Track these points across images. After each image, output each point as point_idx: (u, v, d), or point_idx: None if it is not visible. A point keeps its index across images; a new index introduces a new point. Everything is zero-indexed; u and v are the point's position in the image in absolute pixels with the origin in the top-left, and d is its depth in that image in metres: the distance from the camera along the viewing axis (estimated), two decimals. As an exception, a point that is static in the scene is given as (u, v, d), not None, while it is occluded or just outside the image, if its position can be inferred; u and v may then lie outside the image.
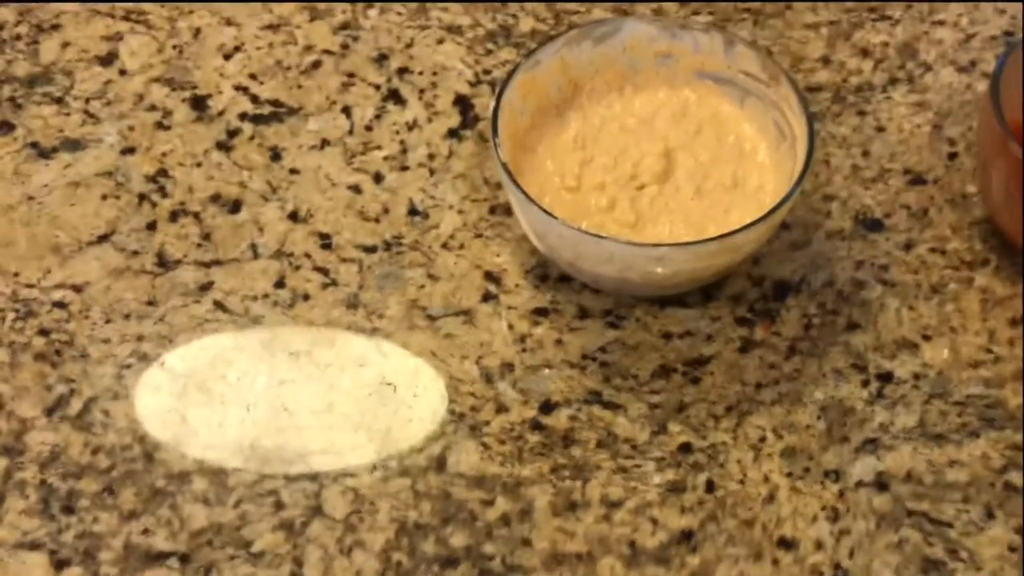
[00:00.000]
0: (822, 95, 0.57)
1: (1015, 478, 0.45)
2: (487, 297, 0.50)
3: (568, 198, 0.50)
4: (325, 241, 0.52)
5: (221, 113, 0.57)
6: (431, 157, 0.55)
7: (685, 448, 0.45)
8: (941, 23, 0.59)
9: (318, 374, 0.48)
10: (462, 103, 0.57)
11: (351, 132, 0.56)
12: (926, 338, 0.49)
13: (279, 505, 0.44)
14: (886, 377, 0.47)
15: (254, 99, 0.57)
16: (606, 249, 0.45)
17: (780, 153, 0.50)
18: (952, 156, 0.55)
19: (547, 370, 0.47)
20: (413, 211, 0.53)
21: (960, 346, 0.48)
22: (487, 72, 0.58)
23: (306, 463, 0.45)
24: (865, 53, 0.58)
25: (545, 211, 0.45)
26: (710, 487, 0.44)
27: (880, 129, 0.56)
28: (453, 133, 0.56)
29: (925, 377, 0.47)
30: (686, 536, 0.43)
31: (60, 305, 0.50)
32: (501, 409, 0.46)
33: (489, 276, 0.51)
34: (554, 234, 0.46)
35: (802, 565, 0.42)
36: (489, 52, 0.59)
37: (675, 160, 0.51)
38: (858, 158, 0.55)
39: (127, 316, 0.50)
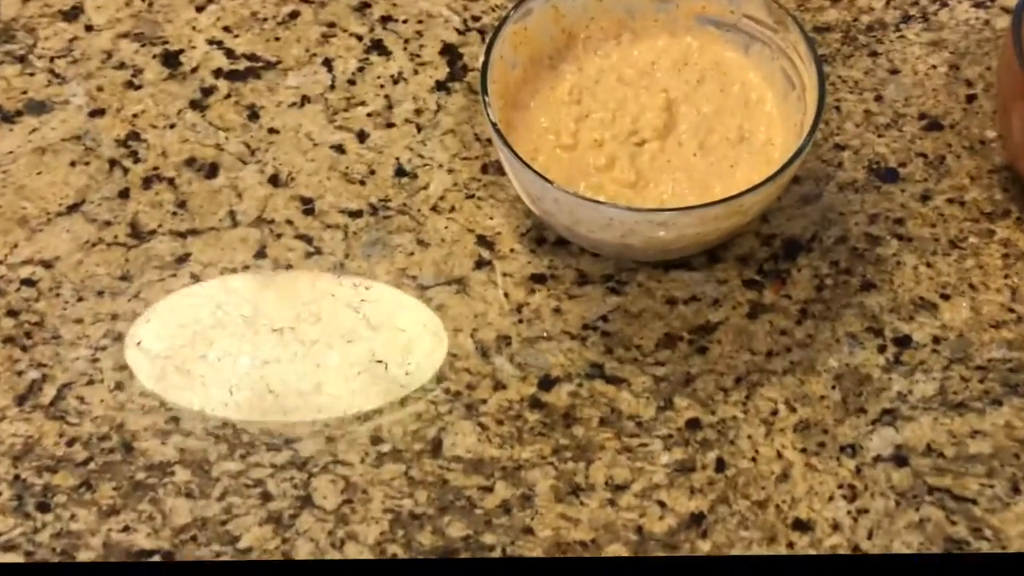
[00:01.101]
0: (831, 36, 0.53)
1: (1040, 449, 0.42)
2: (480, 264, 0.47)
3: (564, 157, 0.47)
4: (307, 206, 0.49)
5: (195, 70, 0.53)
6: (418, 112, 0.52)
7: (693, 424, 0.43)
8: (959, -47, 0.56)
9: (304, 352, 0.45)
10: (450, 53, 0.53)
11: (332, 87, 0.53)
12: (945, 297, 0.46)
13: (266, 496, 0.41)
14: (904, 341, 0.45)
15: (229, 54, 0.54)
16: (605, 214, 0.42)
17: (788, 103, 0.46)
18: (970, 99, 0.51)
19: (546, 342, 0.45)
20: (400, 171, 0.50)
21: (981, 305, 0.46)
22: (476, 19, 0.54)
23: (294, 450, 0.43)
24: (877, -12, 0.55)
25: (539, 174, 0.42)
26: (720, 466, 0.42)
27: (893, 71, 0.52)
28: (441, 86, 0.52)
29: (945, 340, 0.45)
30: (696, 519, 0.41)
31: (29, 283, 0.47)
32: (498, 386, 0.44)
33: (482, 240, 0.48)
34: (549, 198, 0.43)
35: (819, 548, 0.40)
36: (477, -4, 0.55)
37: (677, 113, 0.47)
38: (871, 103, 0.51)
39: (100, 293, 0.47)
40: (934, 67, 0.52)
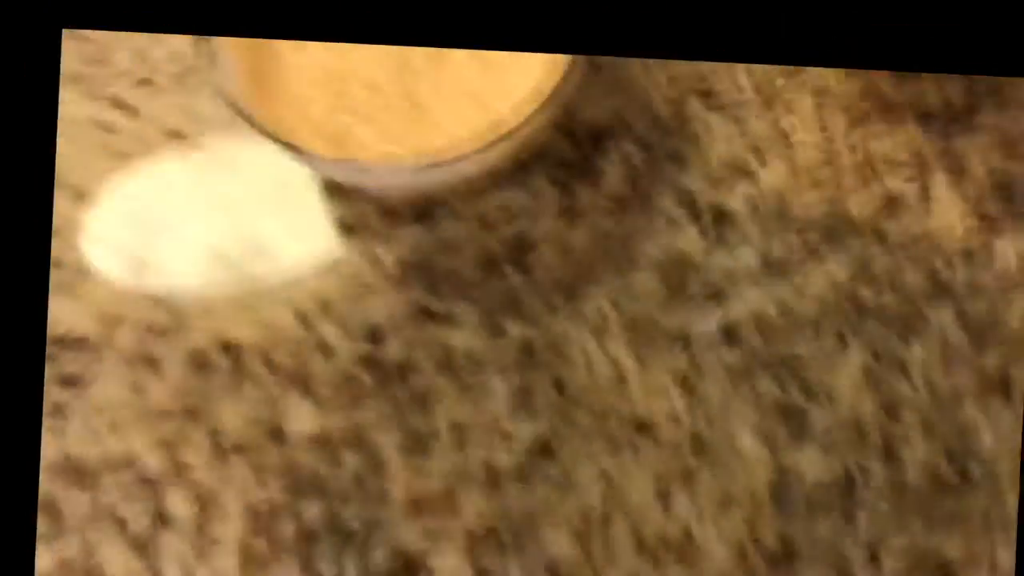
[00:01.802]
0: None
1: (865, 295, 0.43)
2: (286, 225, 0.45)
3: (321, 95, 0.43)
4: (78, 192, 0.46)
5: None
6: (179, 75, 0.48)
7: (526, 348, 0.43)
8: None
9: (122, 362, 0.44)
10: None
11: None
12: (760, 159, 0.45)
13: (122, 524, 0.41)
14: (722, 215, 0.44)
15: None
16: (379, 174, 0.39)
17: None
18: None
19: (368, 295, 0.44)
20: (174, 134, 0.47)
21: (796, 160, 0.45)
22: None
23: (137, 470, 0.42)
24: None
25: (287, 143, 0.39)
26: (559, 387, 0.42)
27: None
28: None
29: (763, 205, 0.44)
30: (542, 446, 0.41)
31: None
32: (326, 353, 0.43)
33: (283, 197, 0.45)
34: (310, 165, 0.40)
35: (661, 446, 0.41)
36: None
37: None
38: (661, -50, 0.48)
39: None
40: None
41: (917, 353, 0.42)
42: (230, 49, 0.42)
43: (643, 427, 0.42)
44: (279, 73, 0.43)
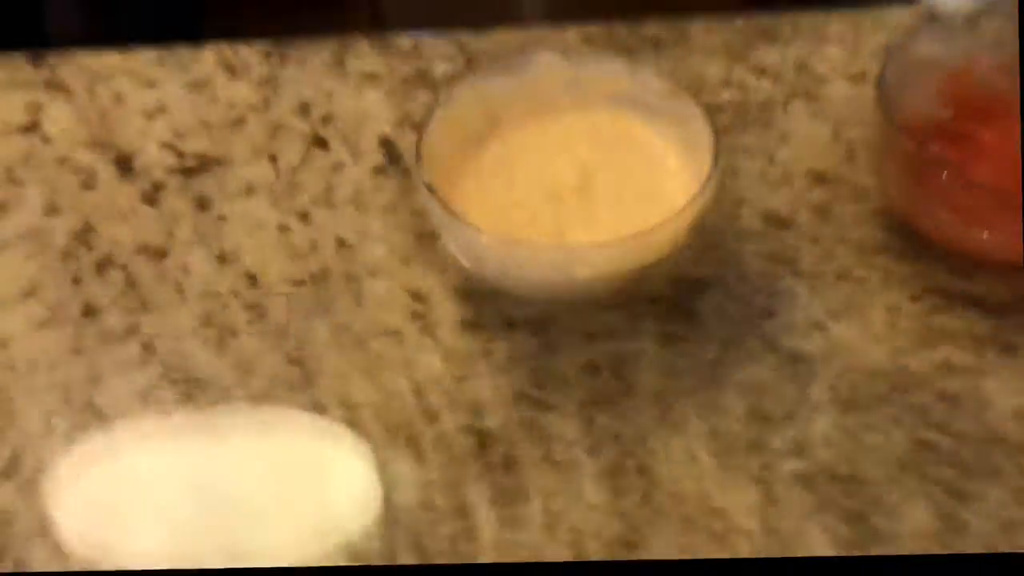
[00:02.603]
0: (726, 112, 0.60)
1: (926, 435, 0.46)
2: (415, 316, 0.51)
3: (492, 216, 0.51)
4: (252, 279, 0.53)
5: (146, 170, 0.58)
6: (357, 194, 0.56)
7: (615, 437, 0.46)
8: (829, 40, 0.63)
9: (247, 406, 0.48)
10: (386, 144, 0.59)
11: (278, 177, 0.57)
12: (835, 318, 0.50)
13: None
14: (799, 356, 0.49)
15: (180, 155, 0.59)
16: (529, 255, 0.46)
17: (689, 163, 0.52)
18: (851, 156, 0.57)
19: (477, 379, 0.48)
20: (341, 243, 0.54)
21: (867, 323, 0.50)
22: (408, 114, 0.60)
23: (242, 493, 0.45)
24: (762, 72, 0.61)
25: (469, 224, 0.46)
26: (641, 471, 0.45)
27: (783, 138, 0.58)
28: (378, 171, 0.57)
29: (836, 353, 0.49)
30: (622, 517, 0.44)
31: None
32: (433, 419, 0.47)
33: (416, 296, 0.52)
34: (479, 246, 0.47)
35: (734, 529, 0.43)
36: (408, 97, 0.61)
37: (592, 176, 0.53)
38: (764, 164, 0.57)
39: (53, 365, 0.50)
40: (818, 132, 0.59)
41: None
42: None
43: (716, 512, 0.44)
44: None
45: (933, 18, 0.63)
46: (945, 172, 0.49)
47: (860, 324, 0.50)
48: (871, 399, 0.47)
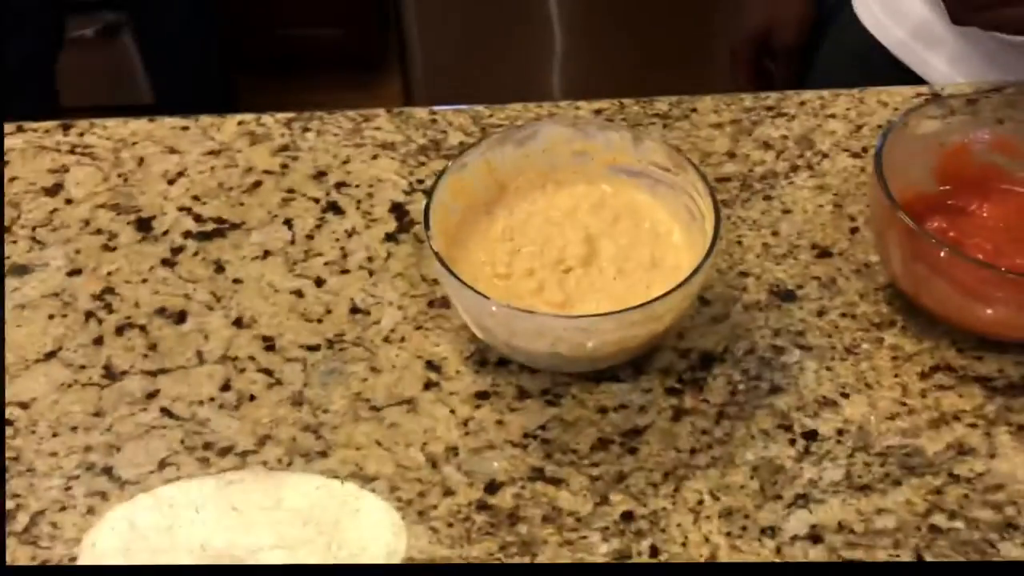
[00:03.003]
0: (731, 184, 0.61)
1: (939, 520, 0.47)
2: (429, 385, 0.52)
3: (500, 284, 0.52)
4: (269, 343, 0.54)
5: (166, 233, 0.59)
6: (370, 260, 0.58)
7: (627, 516, 0.47)
8: (833, 116, 0.65)
9: (265, 472, 0.49)
10: (398, 210, 0.60)
11: (292, 242, 0.59)
12: (844, 395, 0.51)
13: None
14: (811, 435, 0.50)
15: (197, 218, 0.60)
16: (537, 324, 0.47)
17: (692, 233, 0.53)
18: (853, 230, 0.59)
19: (490, 451, 0.49)
20: (354, 310, 0.55)
21: (877, 401, 0.51)
22: (420, 182, 0.61)
23: (257, 559, 0.46)
24: (767, 146, 0.63)
25: (479, 292, 0.48)
26: (654, 552, 0.46)
27: (786, 211, 0.60)
28: (390, 237, 0.59)
29: (847, 432, 0.50)
30: (633, 597, 0.44)
31: (6, 423, 0.51)
32: (447, 492, 0.48)
33: (430, 365, 0.53)
34: (488, 314, 0.48)
35: (746, 616, 0.44)
36: (421, 164, 0.62)
37: (597, 245, 0.54)
38: (768, 237, 0.58)
39: (74, 428, 0.51)
40: (821, 206, 0.60)
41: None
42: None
43: (729, 597, 0.44)
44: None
45: (934, 97, 0.65)
46: (944, 249, 0.50)
47: (870, 402, 0.51)
48: (885, 481, 0.48)
